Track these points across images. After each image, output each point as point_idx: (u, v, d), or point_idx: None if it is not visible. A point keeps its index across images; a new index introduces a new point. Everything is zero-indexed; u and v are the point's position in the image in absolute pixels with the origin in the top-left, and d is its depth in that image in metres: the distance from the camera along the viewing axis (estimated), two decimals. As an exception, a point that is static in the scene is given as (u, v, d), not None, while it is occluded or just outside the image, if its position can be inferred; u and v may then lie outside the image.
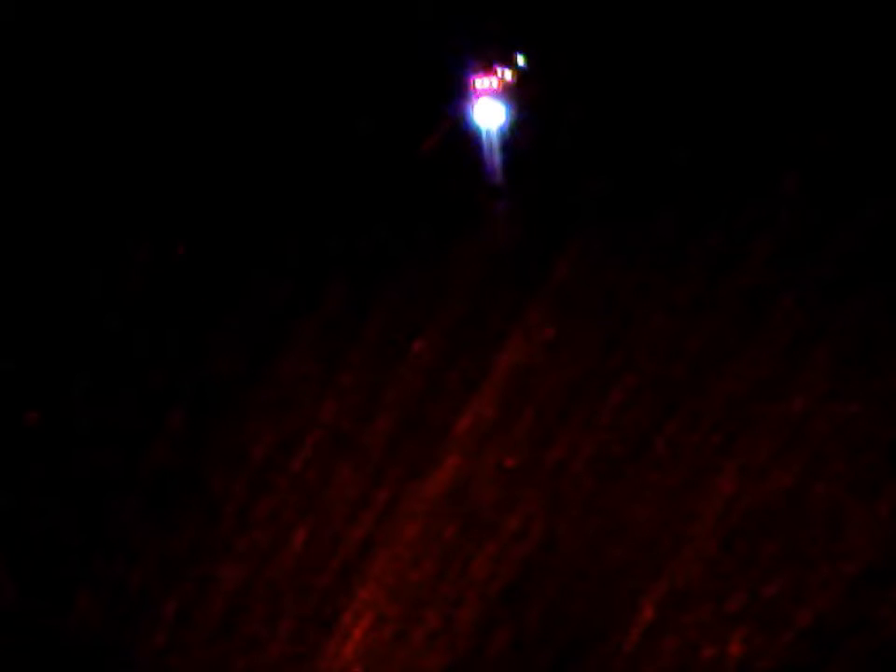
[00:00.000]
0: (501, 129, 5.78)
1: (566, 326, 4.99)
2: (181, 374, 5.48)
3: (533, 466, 4.51)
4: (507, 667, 4.03)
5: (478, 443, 4.76)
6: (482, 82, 5.76)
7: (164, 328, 5.63)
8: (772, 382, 4.05)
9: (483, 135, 5.74)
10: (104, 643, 4.73)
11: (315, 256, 5.89)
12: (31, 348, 5.38)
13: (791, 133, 4.75)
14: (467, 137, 5.82)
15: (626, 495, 4.12)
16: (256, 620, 4.77)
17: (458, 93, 5.80)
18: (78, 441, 5.28)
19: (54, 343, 5.44)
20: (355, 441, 5.10)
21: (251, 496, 5.12)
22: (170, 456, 5.27)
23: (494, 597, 4.16)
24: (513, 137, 5.72)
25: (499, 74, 5.71)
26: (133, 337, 5.64)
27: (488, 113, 5.77)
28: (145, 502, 5.13)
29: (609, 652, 3.74)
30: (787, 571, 3.51)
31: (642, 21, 5.38)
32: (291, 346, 5.58)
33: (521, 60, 5.69)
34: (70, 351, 5.43)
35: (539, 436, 4.59)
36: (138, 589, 4.73)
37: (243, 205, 5.95)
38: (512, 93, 5.68)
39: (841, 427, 3.74)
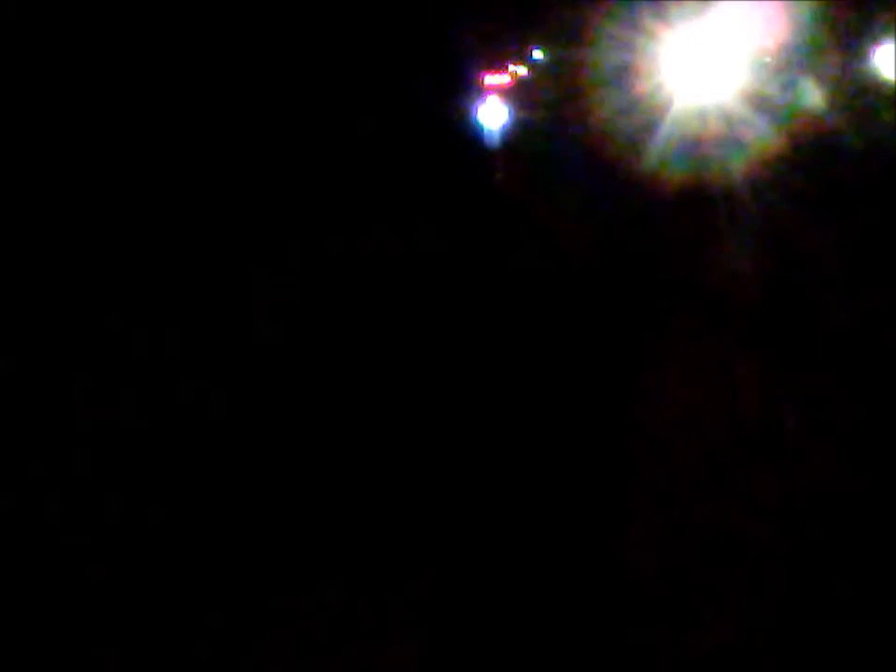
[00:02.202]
0: (509, 125, 5.78)
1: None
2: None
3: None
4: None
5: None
6: (493, 79, 5.74)
7: (164, 326, 5.44)
8: None
9: (492, 132, 5.73)
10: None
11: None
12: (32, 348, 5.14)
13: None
14: (475, 133, 5.80)
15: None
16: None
17: (469, 90, 5.78)
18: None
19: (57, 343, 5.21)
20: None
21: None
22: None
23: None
24: (522, 134, 5.71)
25: (511, 71, 5.71)
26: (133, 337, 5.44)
27: (497, 110, 5.77)
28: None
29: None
30: None
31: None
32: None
33: (533, 57, 5.70)
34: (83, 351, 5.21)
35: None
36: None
37: (241, 208, 5.82)
38: (522, 91, 5.68)
39: None
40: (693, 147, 5.05)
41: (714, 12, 4.93)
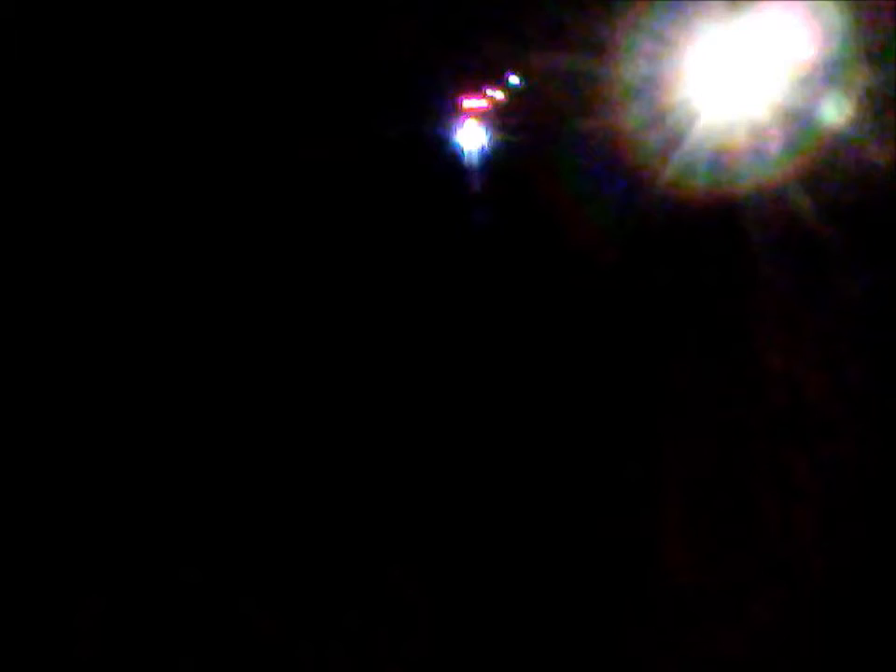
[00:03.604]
0: (486, 148, 6.11)
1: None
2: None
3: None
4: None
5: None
6: (470, 103, 6.07)
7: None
8: None
9: (469, 154, 6.06)
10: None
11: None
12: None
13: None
14: (452, 155, 6.12)
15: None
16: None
17: (447, 112, 6.10)
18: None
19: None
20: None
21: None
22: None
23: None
24: (497, 156, 6.04)
25: (488, 95, 6.05)
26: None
27: (474, 132, 6.10)
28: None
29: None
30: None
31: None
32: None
33: (510, 82, 6.04)
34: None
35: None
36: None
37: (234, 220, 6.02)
38: (499, 114, 6.02)
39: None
40: (719, 160, 5.30)
41: (742, 24, 5.18)
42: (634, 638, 2.99)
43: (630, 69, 5.55)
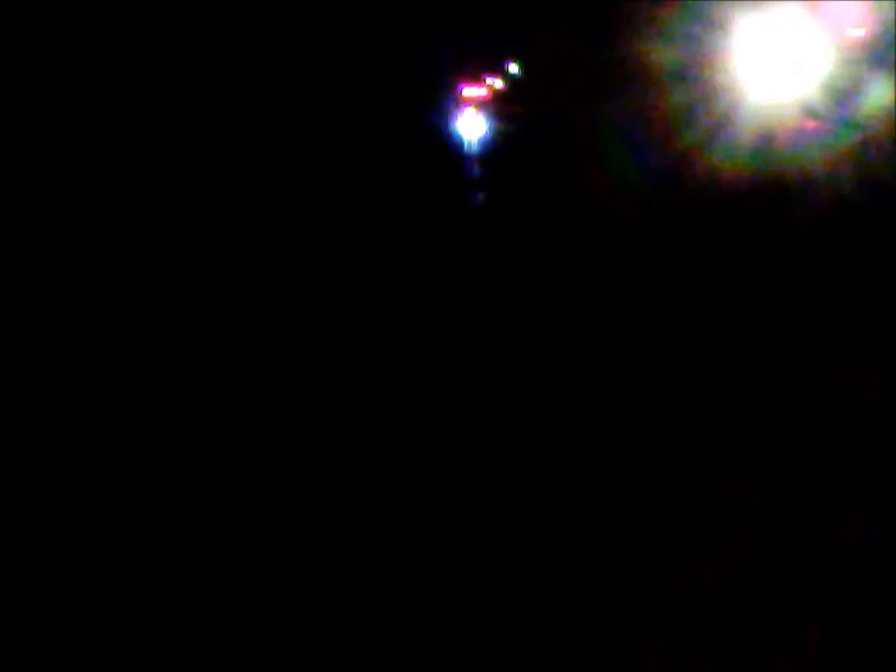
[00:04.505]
0: (486, 137, 6.08)
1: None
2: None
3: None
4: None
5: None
6: (470, 91, 6.05)
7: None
8: None
9: (468, 141, 6.03)
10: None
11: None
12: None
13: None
14: (451, 144, 6.10)
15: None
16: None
17: (447, 101, 6.07)
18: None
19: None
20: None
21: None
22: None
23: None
24: (497, 145, 6.01)
25: (488, 84, 6.02)
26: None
27: (474, 120, 6.07)
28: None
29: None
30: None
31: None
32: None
33: (510, 70, 6.02)
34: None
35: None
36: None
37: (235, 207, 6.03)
38: (499, 103, 5.99)
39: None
40: (768, 139, 5.22)
41: (792, 4, 5.08)
42: (633, 638, 2.97)
43: (656, 53, 5.51)
